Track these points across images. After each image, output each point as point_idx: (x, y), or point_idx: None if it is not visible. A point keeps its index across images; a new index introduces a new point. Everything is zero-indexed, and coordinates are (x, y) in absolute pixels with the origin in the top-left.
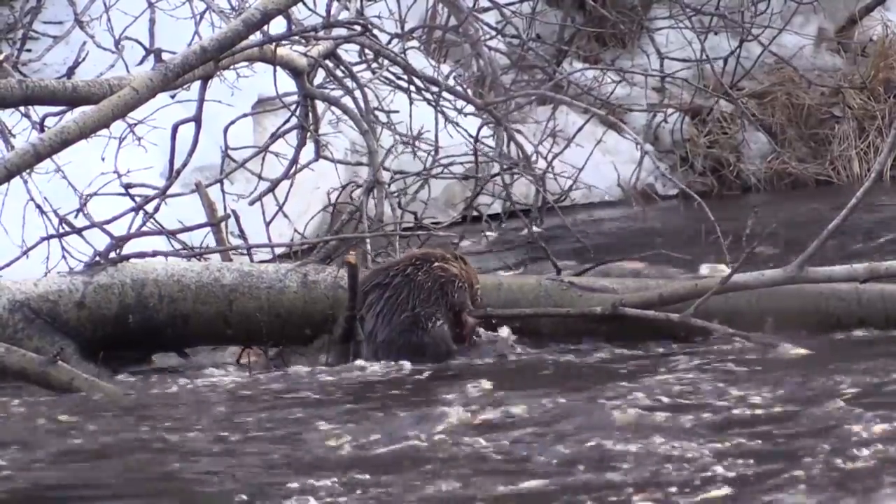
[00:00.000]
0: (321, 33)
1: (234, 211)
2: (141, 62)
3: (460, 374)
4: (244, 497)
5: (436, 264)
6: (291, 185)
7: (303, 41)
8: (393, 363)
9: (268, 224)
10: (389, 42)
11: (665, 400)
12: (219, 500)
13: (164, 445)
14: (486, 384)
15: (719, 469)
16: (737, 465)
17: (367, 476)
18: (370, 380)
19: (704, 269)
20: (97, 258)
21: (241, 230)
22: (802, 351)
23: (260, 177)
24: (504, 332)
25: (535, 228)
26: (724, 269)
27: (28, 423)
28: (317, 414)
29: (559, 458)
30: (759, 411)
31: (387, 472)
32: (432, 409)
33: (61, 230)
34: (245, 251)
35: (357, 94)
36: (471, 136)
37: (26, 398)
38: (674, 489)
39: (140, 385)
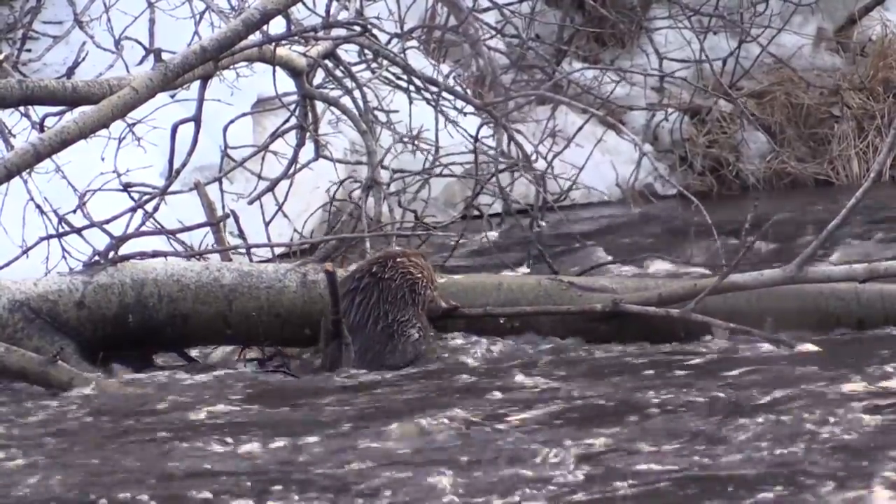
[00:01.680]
0: (320, 33)
1: (233, 211)
2: (141, 62)
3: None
4: None
5: (398, 259)
6: (291, 185)
7: (302, 41)
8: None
9: (267, 224)
10: (389, 42)
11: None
12: None
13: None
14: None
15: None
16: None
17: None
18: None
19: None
20: (97, 258)
21: (240, 230)
22: (812, 347)
23: (259, 176)
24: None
25: (535, 228)
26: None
27: (26, 425)
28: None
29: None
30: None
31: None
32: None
33: (61, 230)
34: (244, 251)
35: (356, 94)
36: (471, 135)
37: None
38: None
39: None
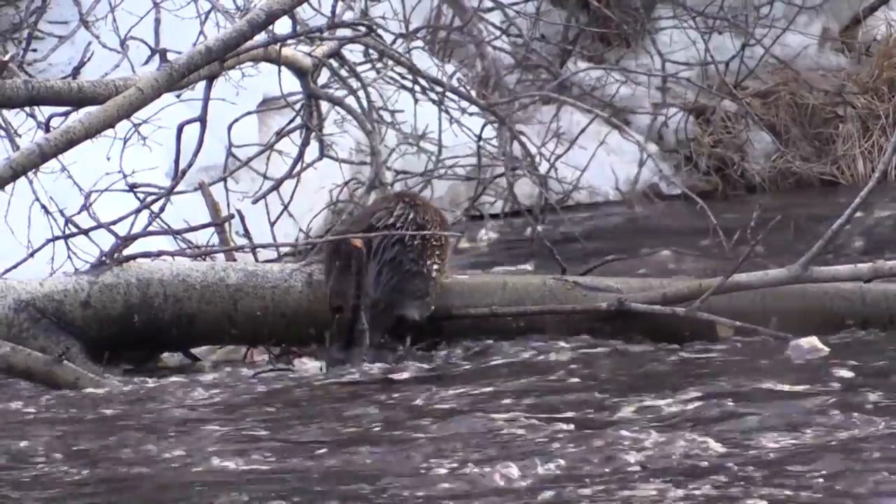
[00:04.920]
0: (326, 34)
1: (238, 210)
2: (146, 62)
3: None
4: None
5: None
6: (296, 185)
7: (308, 41)
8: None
9: (272, 223)
10: (394, 42)
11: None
12: None
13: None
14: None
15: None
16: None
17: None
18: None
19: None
20: (103, 258)
21: (245, 230)
22: (817, 343)
23: (265, 176)
24: None
25: (538, 228)
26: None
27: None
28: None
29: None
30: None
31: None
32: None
33: (67, 231)
34: (250, 251)
35: (361, 94)
36: (475, 135)
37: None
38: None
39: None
